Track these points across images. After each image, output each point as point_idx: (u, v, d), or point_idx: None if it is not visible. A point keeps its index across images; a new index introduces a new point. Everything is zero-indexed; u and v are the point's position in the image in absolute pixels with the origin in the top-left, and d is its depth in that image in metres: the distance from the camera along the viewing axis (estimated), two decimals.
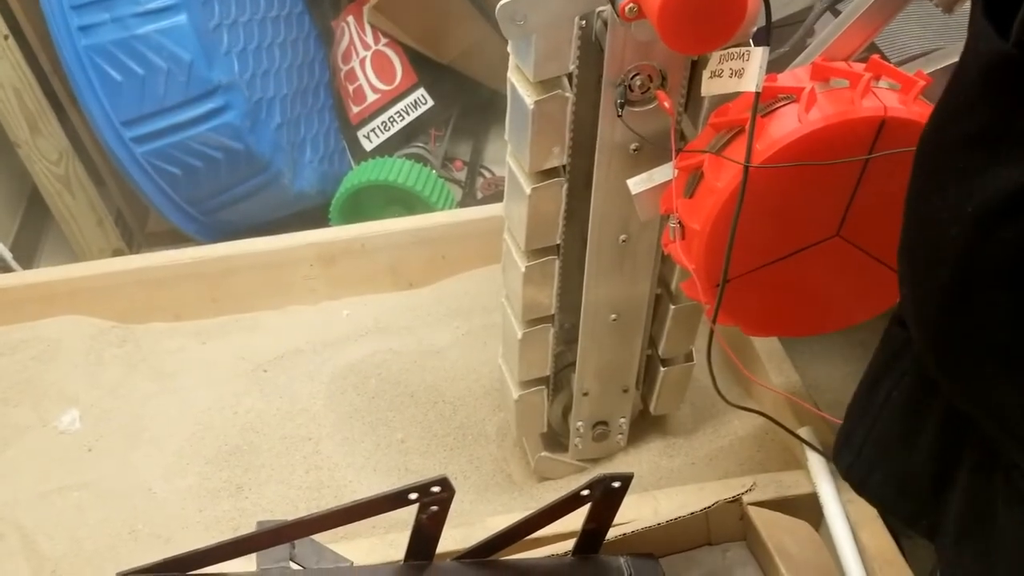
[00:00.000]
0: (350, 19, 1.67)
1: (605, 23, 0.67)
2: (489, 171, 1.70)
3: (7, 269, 1.39)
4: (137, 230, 1.64)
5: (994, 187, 0.39)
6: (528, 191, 0.75)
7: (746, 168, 0.61)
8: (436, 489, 0.57)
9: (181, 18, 1.25)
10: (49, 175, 1.49)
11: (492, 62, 1.56)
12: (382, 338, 1.14)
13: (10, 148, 1.48)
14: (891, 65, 0.65)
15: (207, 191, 1.39)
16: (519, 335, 0.85)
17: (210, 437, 1.03)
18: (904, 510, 0.57)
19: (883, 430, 0.57)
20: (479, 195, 1.65)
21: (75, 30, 1.24)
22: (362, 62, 1.66)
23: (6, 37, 1.38)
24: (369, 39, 1.65)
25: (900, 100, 0.63)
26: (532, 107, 0.70)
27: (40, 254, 1.62)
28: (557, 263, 0.81)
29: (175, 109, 1.29)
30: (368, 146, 1.66)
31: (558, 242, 0.80)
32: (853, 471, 0.60)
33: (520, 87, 0.72)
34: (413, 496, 0.57)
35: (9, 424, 1.08)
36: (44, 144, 1.46)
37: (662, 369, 0.92)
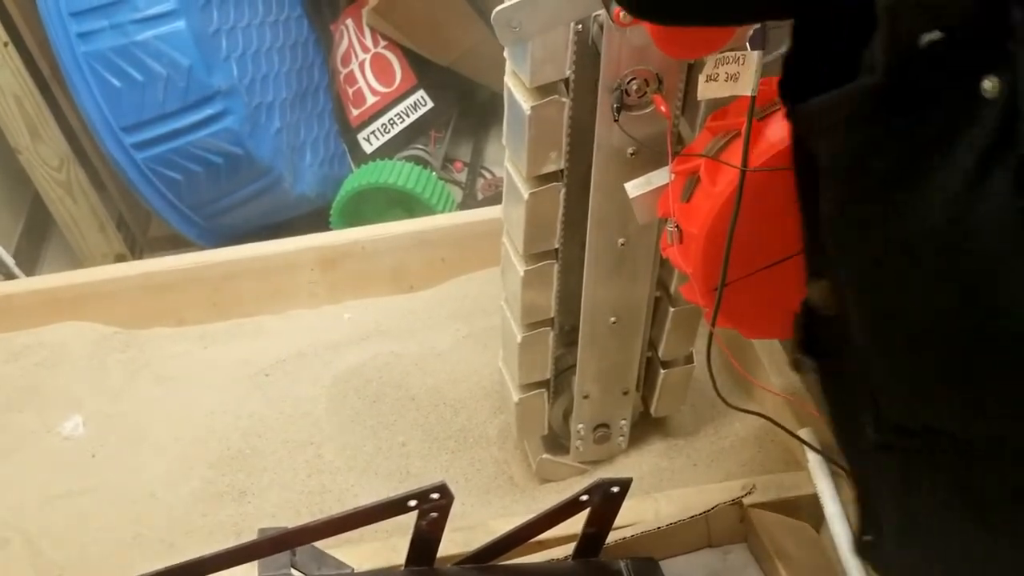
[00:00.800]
0: (349, 22, 1.67)
1: (601, 27, 0.67)
2: (489, 172, 1.71)
3: (10, 276, 1.39)
4: (139, 235, 1.65)
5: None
6: (526, 196, 0.75)
7: (743, 172, 0.61)
8: (435, 496, 0.57)
9: (180, 24, 1.25)
10: (50, 181, 1.49)
11: (492, 63, 1.56)
12: (383, 341, 1.14)
13: (11, 154, 1.48)
14: None
15: (208, 196, 1.39)
16: (519, 339, 0.86)
17: (213, 442, 1.04)
18: None
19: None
20: (480, 196, 1.65)
21: (74, 37, 1.25)
22: (361, 65, 1.66)
23: (5, 44, 1.38)
24: (368, 42, 1.65)
25: None
26: (529, 112, 0.70)
27: (43, 260, 1.63)
28: (556, 267, 0.81)
29: (175, 115, 1.29)
30: (368, 148, 1.66)
31: (557, 246, 0.80)
32: None
33: (517, 92, 0.72)
34: (412, 503, 0.57)
35: (13, 430, 1.08)
36: (45, 150, 1.47)
37: (662, 371, 0.92)
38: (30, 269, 1.54)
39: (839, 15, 0.40)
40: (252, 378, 1.11)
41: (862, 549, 0.55)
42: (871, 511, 0.54)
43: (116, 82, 1.26)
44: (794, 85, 0.43)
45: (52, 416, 1.09)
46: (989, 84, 0.33)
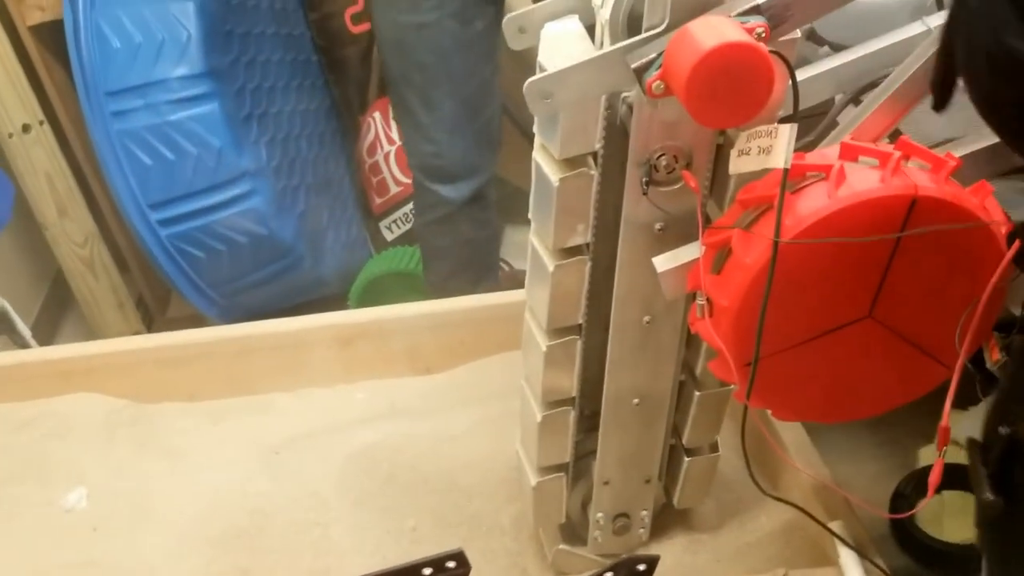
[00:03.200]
0: (376, 115, 1.71)
1: (630, 108, 0.68)
2: (508, 264, 1.71)
3: (25, 347, 1.38)
4: (157, 315, 1.65)
5: None
6: (551, 268, 0.75)
7: (775, 243, 0.61)
8: (451, 564, 0.54)
9: (213, 106, 1.28)
10: (74, 257, 1.51)
11: (514, 158, 1.58)
12: (397, 422, 1.12)
13: (37, 229, 1.50)
14: (921, 146, 0.65)
15: (229, 274, 1.40)
16: (539, 418, 0.83)
17: (217, 519, 1.00)
18: None
19: None
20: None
21: (109, 115, 1.28)
22: (386, 156, 1.69)
23: (41, 123, 1.42)
24: (394, 134, 1.69)
25: (931, 179, 0.62)
26: (557, 184, 0.70)
27: (60, 335, 1.63)
28: (579, 343, 0.80)
29: (202, 193, 1.31)
30: (389, 236, 1.67)
31: (581, 322, 0.79)
32: None
33: (545, 165, 0.72)
34: (427, 571, 0.54)
35: (14, 501, 1.05)
36: (71, 227, 1.49)
37: (686, 459, 0.89)
38: (47, 343, 1.54)
39: None
40: (261, 456, 1.09)
41: None
42: None
43: (147, 159, 1.29)
44: None
45: (55, 488, 1.06)
46: None
